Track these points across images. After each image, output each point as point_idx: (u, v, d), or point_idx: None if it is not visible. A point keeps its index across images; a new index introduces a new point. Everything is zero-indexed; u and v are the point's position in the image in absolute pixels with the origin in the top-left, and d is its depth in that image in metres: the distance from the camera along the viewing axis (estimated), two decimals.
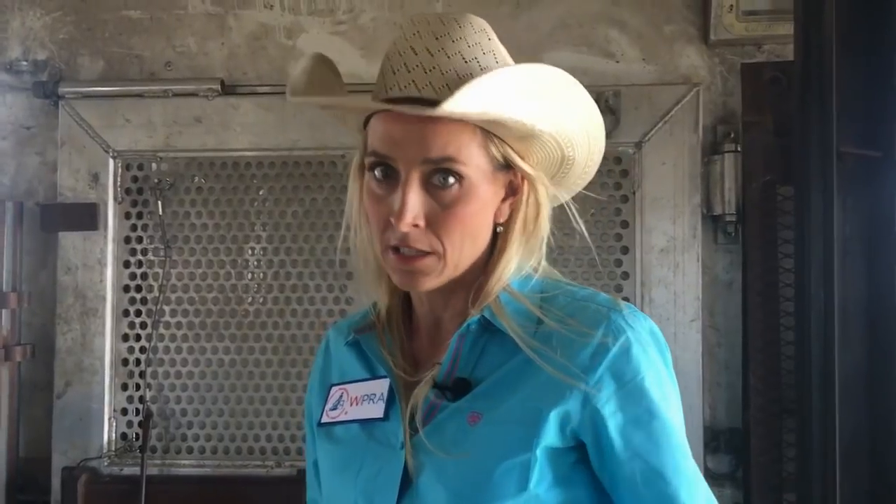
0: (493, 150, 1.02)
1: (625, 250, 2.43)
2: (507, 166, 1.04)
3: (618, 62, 2.48)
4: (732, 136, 2.40)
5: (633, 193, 2.42)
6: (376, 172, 1.02)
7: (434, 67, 0.99)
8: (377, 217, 1.03)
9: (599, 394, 0.98)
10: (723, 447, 2.44)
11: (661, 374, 1.02)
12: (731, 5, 2.35)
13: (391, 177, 1.01)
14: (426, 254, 1.01)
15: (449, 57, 0.99)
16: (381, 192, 1.02)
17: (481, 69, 1.00)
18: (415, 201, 0.99)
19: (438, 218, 1.00)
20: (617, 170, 2.42)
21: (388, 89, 1.01)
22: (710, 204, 2.41)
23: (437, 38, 1.01)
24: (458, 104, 0.93)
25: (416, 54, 1.00)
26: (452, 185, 1.00)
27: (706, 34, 2.42)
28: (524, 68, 0.99)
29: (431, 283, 1.03)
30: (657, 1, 2.48)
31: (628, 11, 2.49)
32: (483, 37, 1.04)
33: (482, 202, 1.02)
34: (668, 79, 2.46)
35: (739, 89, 2.41)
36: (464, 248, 1.02)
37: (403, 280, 1.03)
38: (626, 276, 2.42)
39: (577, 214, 1.12)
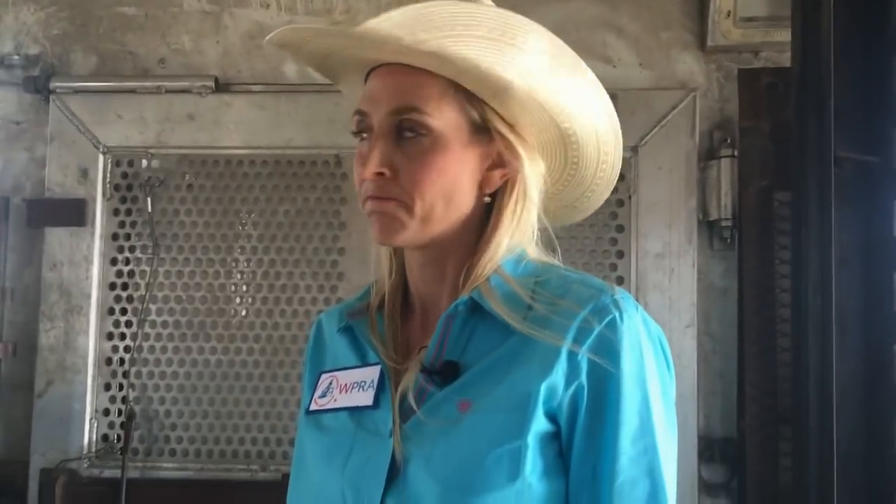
0: (470, 108, 1.01)
1: (620, 255, 2.41)
2: (488, 129, 1.02)
3: (615, 67, 2.48)
4: (729, 141, 2.39)
5: (630, 198, 2.40)
6: (362, 134, 1.03)
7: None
8: (358, 176, 1.03)
9: (580, 375, 0.95)
10: (717, 457, 2.39)
11: (645, 363, 0.97)
12: (729, 11, 2.34)
13: (370, 134, 1.02)
14: (393, 199, 1.00)
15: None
16: (364, 152, 1.03)
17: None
18: (378, 151, 0.99)
19: (405, 168, 0.99)
20: None
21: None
22: (706, 209, 2.39)
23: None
24: (383, 23, 0.93)
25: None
26: (418, 137, 0.99)
27: (703, 40, 2.42)
28: (493, 9, 1.00)
29: (403, 236, 1.01)
30: (655, 7, 2.48)
31: (626, 17, 2.49)
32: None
33: (455, 159, 1.00)
34: (664, 84, 2.45)
35: (736, 95, 2.40)
36: (435, 203, 1.00)
37: (377, 229, 1.02)
38: (620, 280, 2.40)
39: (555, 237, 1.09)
